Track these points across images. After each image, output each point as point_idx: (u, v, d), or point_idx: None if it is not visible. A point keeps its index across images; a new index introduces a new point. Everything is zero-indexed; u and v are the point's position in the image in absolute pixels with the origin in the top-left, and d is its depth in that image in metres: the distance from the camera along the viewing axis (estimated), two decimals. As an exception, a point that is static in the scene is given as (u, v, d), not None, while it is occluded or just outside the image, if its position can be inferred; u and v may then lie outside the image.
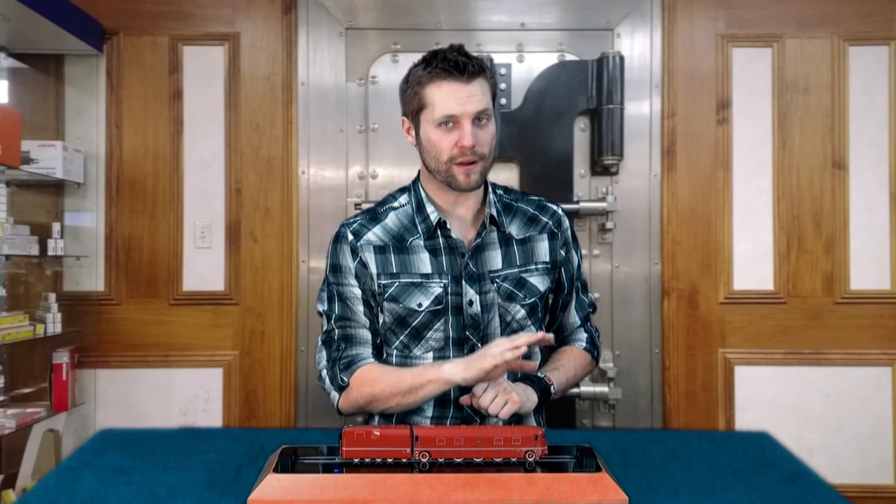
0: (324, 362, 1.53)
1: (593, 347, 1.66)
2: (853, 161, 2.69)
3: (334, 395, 1.51)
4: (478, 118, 1.44)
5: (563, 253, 1.60)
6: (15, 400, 2.50)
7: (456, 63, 1.42)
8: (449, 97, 1.42)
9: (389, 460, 1.10)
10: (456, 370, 1.38)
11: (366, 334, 1.52)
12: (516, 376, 1.51)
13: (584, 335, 1.66)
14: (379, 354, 1.54)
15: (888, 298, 2.68)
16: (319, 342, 1.55)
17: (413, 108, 1.48)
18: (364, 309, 1.53)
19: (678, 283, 2.69)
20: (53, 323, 2.47)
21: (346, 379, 1.47)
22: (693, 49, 2.70)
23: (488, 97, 1.46)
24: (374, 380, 1.45)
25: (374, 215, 1.58)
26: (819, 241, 2.69)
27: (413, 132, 1.52)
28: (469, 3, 2.71)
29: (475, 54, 1.48)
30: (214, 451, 1.31)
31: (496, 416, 1.37)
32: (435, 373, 1.40)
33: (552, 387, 1.49)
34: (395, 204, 1.58)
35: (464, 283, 1.50)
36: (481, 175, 1.47)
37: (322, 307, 1.55)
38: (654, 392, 2.70)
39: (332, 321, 1.53)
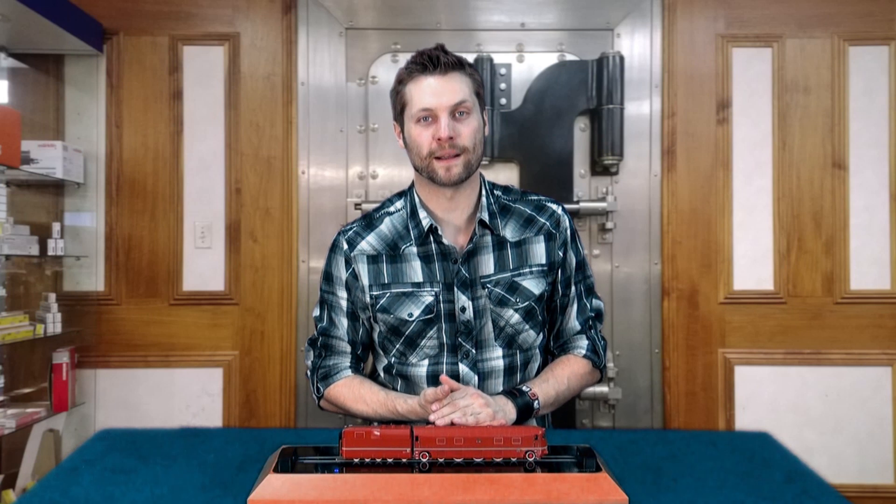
0: (309, 362, 1.61)
1: (594, 355, 1.57)
2: (853, 161, 2.69)
3: (314, 396, 1.61)
4: (457, 112, 1.43)
5: (560, 254, 1.55)
6: (15, 400, 2.50)
7: (430, 57, 1.43)
8: (425, 91, 1.43)
9: (389, 460, 1.10)
10: (409, 409, 1.40)
11: (345, 346, 1.58)
12: (502, 388, 1.51)
13: (584, 342, 1.58)
14: (358, 364, 1.60)
15: (888, 298, 2.68)
16: (308, 342, 1.63)
17: (398, 108, 1.50)
18: (347, 322, 1.58)
19: (678, 283, 2.69)
20: (53, 323, 2.47)
21: (321, 389, 1.57)
22: (693, 49, 2.70)
23: (468, 91, 1.45)
24: (343, 399, 1.53)
25: (369, 221, 1.57)
26: (819, 241, 2.69)
27: (402, 134, 1.52)
28: (469, 3, 2.71)
29: (472, 53, 1.48)
30: (214, 451, 1.31)
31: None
32: (393, 406, 1.45)
33: (535, 402, 1.45)
34: (392, 209, 1.57)
35: (456, 289, 1.49)
36: (465, 168, 1.44)
37: (315, 313, 1.62)
38: (654, 392, 2.70)
39: (318, 328, 1.60)
